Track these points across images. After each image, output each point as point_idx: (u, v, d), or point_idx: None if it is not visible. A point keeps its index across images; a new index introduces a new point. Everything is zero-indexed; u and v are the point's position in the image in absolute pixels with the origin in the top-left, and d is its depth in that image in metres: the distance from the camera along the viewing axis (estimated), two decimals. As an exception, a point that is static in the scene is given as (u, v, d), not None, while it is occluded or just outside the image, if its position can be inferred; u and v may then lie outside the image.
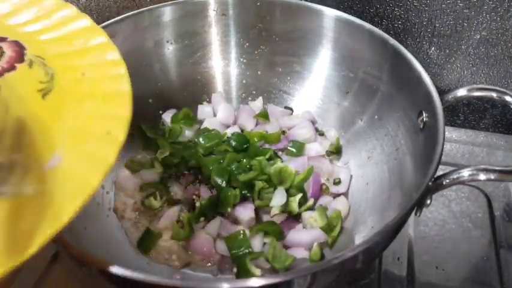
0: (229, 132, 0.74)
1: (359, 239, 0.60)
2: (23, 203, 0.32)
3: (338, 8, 0.71)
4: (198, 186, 0.68)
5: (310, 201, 0.65)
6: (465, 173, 0.50)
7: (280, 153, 0.73)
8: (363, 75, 0.71)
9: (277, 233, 0.61)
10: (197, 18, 0.76)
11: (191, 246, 0.61)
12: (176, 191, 0.68)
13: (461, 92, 0.57)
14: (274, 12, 0.75)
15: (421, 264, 0.64)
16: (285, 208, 0.63)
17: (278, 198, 0.63)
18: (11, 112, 0.35)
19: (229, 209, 0.63)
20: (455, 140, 0.83)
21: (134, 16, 0.71)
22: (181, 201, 0.67)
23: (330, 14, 0.71)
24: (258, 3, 0.75)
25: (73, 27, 0.44)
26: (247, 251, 0.59)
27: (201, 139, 0.71)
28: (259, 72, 0.81)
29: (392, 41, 0.65)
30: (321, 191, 0.67)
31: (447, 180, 0.50)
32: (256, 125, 0.77)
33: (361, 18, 0.69)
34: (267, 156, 0.69)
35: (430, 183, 0.48)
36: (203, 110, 0.79)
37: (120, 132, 0.36)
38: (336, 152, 0.73)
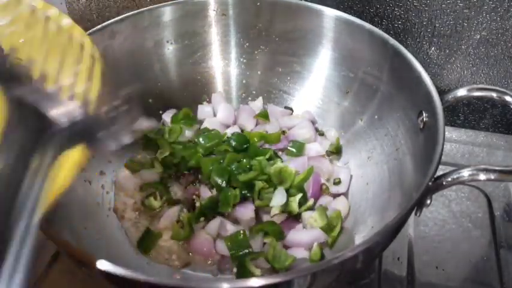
0: (229, 132, 0.74)
1: (359, 239, 0.60)
2: None
3: (338, 8, 0.71)
4: (198, 186, 0.68)
5: (310, 201, 0.65)
6: (465, 173, 0.50)
7: (280, 153, 0.73)
8: (363, 75, 0.71)
9: (277, 233, 0.61)
10: (197, 18, 0.76)
11: (191, 246, 0.61)
12: (176, 191, 0.68)
13: (461, 92, 0.57)
14: (274, 12, 0.76)
15: (421, 264, 0.64)
16: (285, 208, 0.63)
17: (278, 198, 0.63)
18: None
19: (229, 209, 0.63)
20: (455, 140, 0.83)
21: (134, 16, 0.71)
22: (181, 201, 0.67)
23: (330, 14, 0.71)
24: (258, 3, 0.75)
25: None
26: (247, 251, 0.59)
27: (201, 139, 0.71)
28: (259, 72, 0.81)
29: (392, 41, 0.65)
30: (321, 191, 0.67)
31: (447, 180, 0.50)
32: (256, 125, 0.77)
33: (361, 18, 0.69)
34: (267, 156, 0.69)
35: (430, 183, 0.48)
36: (203, 110, 0.79)
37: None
38: (336, 152, 0.73)
